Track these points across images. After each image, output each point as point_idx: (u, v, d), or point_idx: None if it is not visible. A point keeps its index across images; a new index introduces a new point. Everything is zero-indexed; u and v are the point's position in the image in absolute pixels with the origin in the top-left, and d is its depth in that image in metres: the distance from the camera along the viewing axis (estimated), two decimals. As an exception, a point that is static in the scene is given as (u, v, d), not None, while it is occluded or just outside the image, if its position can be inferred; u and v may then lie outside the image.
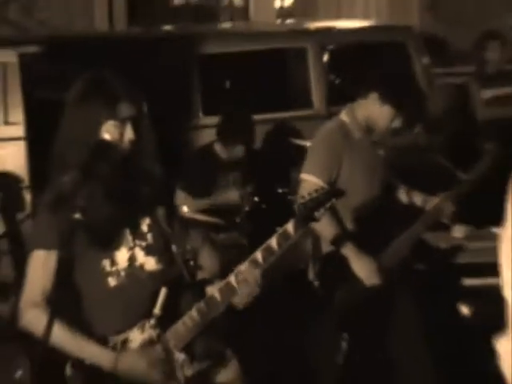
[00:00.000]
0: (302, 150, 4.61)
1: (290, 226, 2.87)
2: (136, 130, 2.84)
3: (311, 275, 4.20)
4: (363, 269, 3.96)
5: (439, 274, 4.64)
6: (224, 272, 2.95)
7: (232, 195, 5.41)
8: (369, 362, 4.19)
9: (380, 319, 4.03)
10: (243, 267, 2.86)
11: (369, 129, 4.15)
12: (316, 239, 4.15)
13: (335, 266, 3.99)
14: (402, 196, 4.36)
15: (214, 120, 5.88)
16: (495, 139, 6.49)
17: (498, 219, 2.95)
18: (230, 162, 5.53)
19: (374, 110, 4.08)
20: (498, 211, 2.99)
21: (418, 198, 4.31)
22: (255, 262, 2.86)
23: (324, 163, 4.03)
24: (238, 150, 5.50)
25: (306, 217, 2.90)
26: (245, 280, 2.84)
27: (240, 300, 2.88)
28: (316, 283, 4.09)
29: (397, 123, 4.10)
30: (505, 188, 2.85)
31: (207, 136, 5.85)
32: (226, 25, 10.86)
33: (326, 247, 4.06)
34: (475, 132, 6.91)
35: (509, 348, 2.77)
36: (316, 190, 2.94)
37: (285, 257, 2.94)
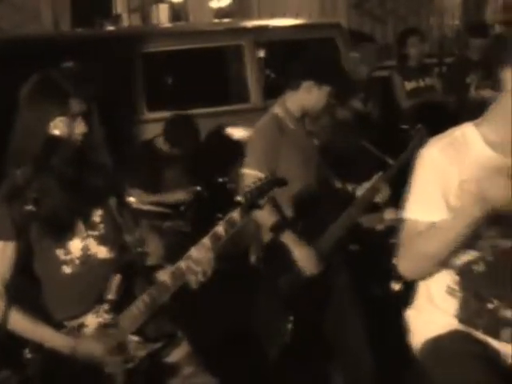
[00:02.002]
0: (239, 142, 4.62)
1: (235, 214, 2.90)
2: (87, 124, 2.83)
3: (253, 259, 4.21)
4: (302, 259, 3.97)
5: (373, 253, 4.68)
6: (170, 258, 2.96)
7: (178, 195, 5.44)
8: (312, 339, 4.21)
9: (320, 299, 4.05)
10: (194, 252, 2.87)
11: (303, 118, 4.16)
12: (258, 227, 4.15)
13: (278, 252, 4.00)
14: (337, 183, 4.38)
15: (157, 115, 5.88)
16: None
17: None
18: (173, 156, 5.54)
19: (310, 97, 4.09)
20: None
21: (351, 186, 4.34)
22: (204, 247, 2.87)
23: (262, 157, 4.01)
24: (181, 148, 5.52)
25: (251, 205, 2.92)
26: (199, 260, 2.85)
27: (195, 279, 2.89)
28: (261, 269, 4.09)
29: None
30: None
31: (151, 130, 5.85)
32: (168, 24, 10.81)
33: (268, 235, 4.07)
34: (400, 121, 7.01)
35: (415, 319, 2.82)
36: (260, 179, 2.98)
37: (230, 242, 2.96)
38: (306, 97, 4.09)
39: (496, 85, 2.56)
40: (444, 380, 2.61)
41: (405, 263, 2.64)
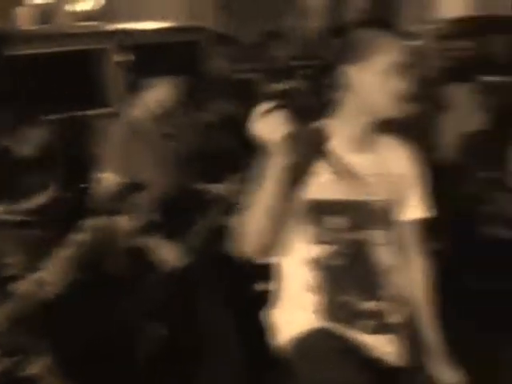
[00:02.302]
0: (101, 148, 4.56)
1: (95, 221, 2.87)
2: None
3: (114, 265, 4.18)
4: (164, 253, 3.97)
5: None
6: (30, 267, 2.91)
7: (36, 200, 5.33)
8: (181, 342, 4.22)
9: (187, 302, 4.06)
10: (51, 262, 2.84)
11: (158, 119, 4.15)
12: (118, 232, 4.12)
13: (140, 257, 3.98)
14: (199, 185, 4.40)
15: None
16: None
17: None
18: (29, 161, 5.41)
19: (161, 93, 4.09)
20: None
21: (212, 186, 4.37)
22: (63, 257, 2.84)
23: (117, 161, 3.98)
24: (31, 149, 5.40)
25: (109, 210, 2.91)
26: (57, 270, 2.81)
27: (52, 289, 2.85)
28: (122, 274, 4.07)
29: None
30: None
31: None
32: (31, 27, 10.61)
33: (128, 240, 4.04)
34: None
35: (278, 318, 2.85)
36: (118, 185, 2.96)
37: (89, 249, 2.93)
38: (158, 93, 4.10)
39: (343, 83, 2.67)
40: (311, 377, 2.64)
41: (245, 245, 2.59)
